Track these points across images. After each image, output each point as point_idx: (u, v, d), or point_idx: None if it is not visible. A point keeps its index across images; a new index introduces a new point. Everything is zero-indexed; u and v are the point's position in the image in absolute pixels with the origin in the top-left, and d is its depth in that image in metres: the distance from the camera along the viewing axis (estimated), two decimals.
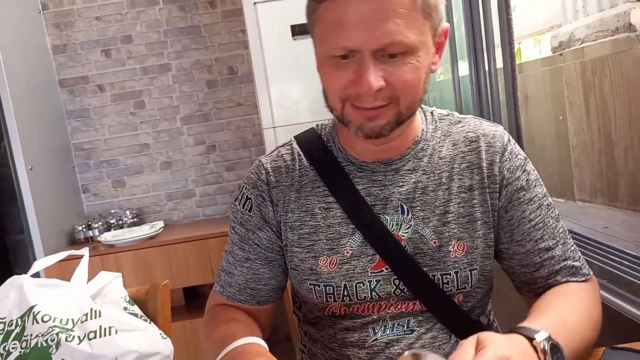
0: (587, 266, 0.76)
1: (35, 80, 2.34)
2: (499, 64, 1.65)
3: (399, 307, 0.75)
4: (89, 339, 0.97)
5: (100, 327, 0.99)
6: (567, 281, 0.74)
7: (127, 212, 2.51)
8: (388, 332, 0.75)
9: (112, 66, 2.59)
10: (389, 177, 0.75)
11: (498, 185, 0.74)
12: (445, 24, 0.70)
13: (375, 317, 0.76)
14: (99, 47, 2.57)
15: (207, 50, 2.59)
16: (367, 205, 0.74)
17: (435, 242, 0.73)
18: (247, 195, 0.81)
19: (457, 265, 0.73)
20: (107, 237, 2.26)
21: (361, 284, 0.74)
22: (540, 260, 0.74)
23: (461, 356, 0.52)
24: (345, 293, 0.75)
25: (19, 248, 2.11)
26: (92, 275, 1.29)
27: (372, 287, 0.74)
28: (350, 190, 0.75)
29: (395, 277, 0.74)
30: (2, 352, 0.97)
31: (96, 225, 2.40)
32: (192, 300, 2.44)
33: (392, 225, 0.74)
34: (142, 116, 2.62)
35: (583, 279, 0.74)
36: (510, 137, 0.78)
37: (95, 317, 1.00)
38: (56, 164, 2.42)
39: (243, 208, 0.81)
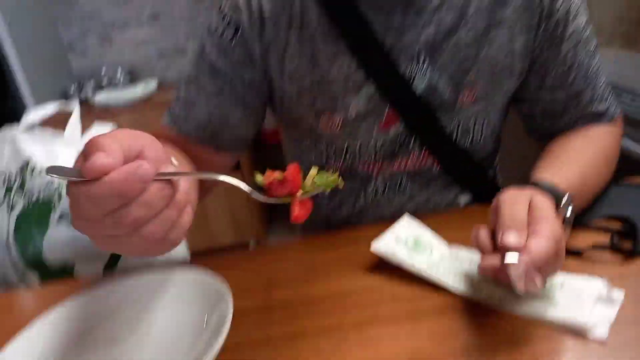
0: (614, 106, 0.70)
1: None
2: None
3: (396, 166, 0.71)
4: None
5: None
6: (588, 126, 0.69)
7: (119, 71, 2.41)
8: (379, 194, 0.73)
9: None
10: (409, 20, 0.62)
11: (537, 19, 0.63)
12: None
13: (371, 176, 0.72)
14: None
15: None
16: (383, 52, 0.62)
17: (450, 93, 0.65)
18: (229, 19, 0.63)
19: (461, 115, 0.67)
20: (102, 97, 2.20)
21: (365, 146, 0.69)
22: (565, 106, 0.68)
23: (516, 217, 0.46)
24: (347, 154, 0.70)
25: (11, 116, 2.06)
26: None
27: (377, 148, 0.69)
28: (366, 35, 0.62)
29: (404, 135, 0.67)
30: (6, 205, 0.97)
31: (88, 86, 2.32)
32: None
33: (405, 76, 0.64)
34: None
35: (606, 121, 0.69)
36: None
37: None
38: (36, 15, 2.25)
39: (222, 35, 0.63)
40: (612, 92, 0.70)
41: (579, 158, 0.63)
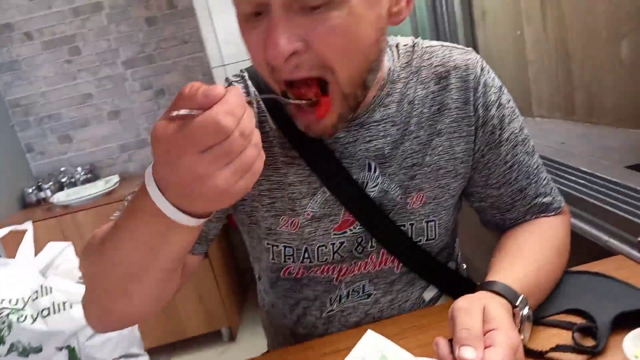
0: (558, 197, 0.73)
1: None
2: None
3: (354, 269, 0.71)
4: (43, 317, 0.93)
5: (54, 303, 0.94)
6: (537, 218, 0.72)
7: (79, 169, 2.39)
8: (344, 301, 0.73)
9: (37, 10, 2.34)
10: (353, 133, 0.65)
11: (473, 128, 0.67)
12: None
13: (334, 283, 0.72)
14: None
15: None
16: (335, 159, 0.65)
17: (400, 198, 0.68)
18: None
19: (413, 217, 0.69)
20: (60, 197, 2.16)
21: (323, 247, 0.69)
22: (511, 201, 0.71)
23: (471, 329, 0.48)
24: (306, 255, 0.70)
25: None
26: (47, 239, 1.22)
27: (335, 249, 0.69)
28: (316, 146, 0.65)
29: (361, 237, 0.69)
30: None
31: (47, 186, 2.28)
32: None
33: (359, 182, 0.67)
34: (79, 63, 2.42)
35: (553, 213, 0.72)
36: (484, 64, 0.69)
37: (47, 294, 0.95)
38: None
39: None
40: (554, 188, 0.73)
41: (531, 255, 0.64)
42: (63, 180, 2.35)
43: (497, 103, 0.67)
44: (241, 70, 0.71)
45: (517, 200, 0.71)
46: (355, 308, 0.73)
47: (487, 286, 0.57)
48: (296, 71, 0.53)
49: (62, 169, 2.44)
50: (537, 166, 0.71)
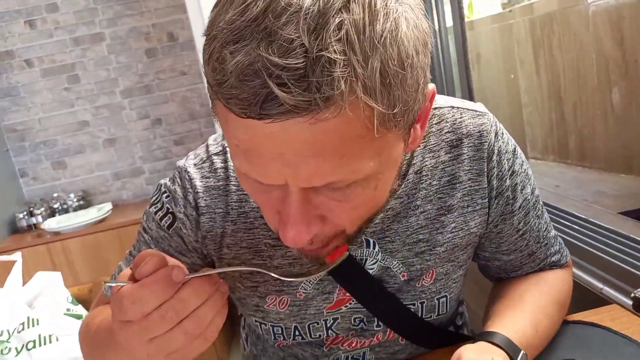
0: (565, 253, 0.72)
1: None
2: (449, 21, 1.60)
3: (354, 343, 0.67)
4: (28, 349, 0.90)
5: (40, 335, 0.92)
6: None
7: (72, 195, 2.37)
8: None
9: (38, 38, 2.37)
10: None
11: (487, 200, 0.62)
12: (430, 86, 0.45)
13: (326, 351, 0.68)
14: (21, 18, 2.34)
15: (143, 17, 2.40)
16: None
17: (404, 276, 0.62)
18: (167, 208, 0.62)
19: (423, 295, 0.64)
20: (51, 223, 2.13)
21: (315, 324, 0.64)
22: (520, 264, 0.70)
23: None
24: (297, 333, 0.65)
25: None
26: (36, 266, 1.20)
27: (328, 325, 0.65)
28: None
29: (357, 314, 0.64)
30: None
31: (38, 212, 2.26)
32: None
33: (356, 260, 0.61)
34: (77, 91, 2.43)
35: (557, 269, 0.71)
36: (498, 127, 0.63)
37: (34, 325, 0.93)
38: None
39: (160, 222, 0.62)
40: (561, 243, 0.72)
41: (532, 307, 0.63)
42: (55, 206, 2.33)
43: (511, 171, 0.63)
44: (222, 136, 0.63)
45: (526, 264, 0.70)
46: None
47: (488, 337, 0.57)
48: (312, 246, 0.48)
49: (55, 195, 2.42)
50: (547, 227, 0.69)
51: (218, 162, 0.62)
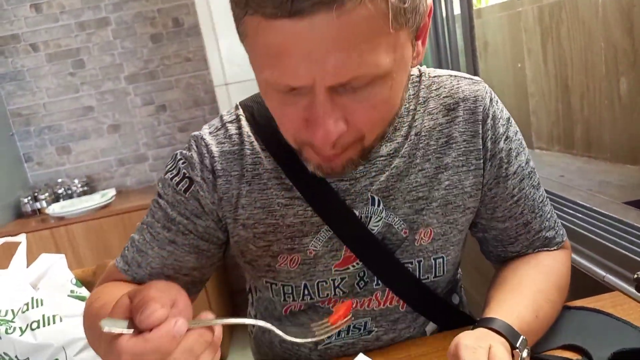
0: (561, 231, 0.73)
1: None
2: (457, 9, 1.59)
3: (360, 305, 0.70)
4: (32, 329, 0.91)
5: (44, 315, 0.93)
6: (539, 251, 0.71)
7: (76, 181, 2.38)
8: (343, 335, 0.71)
9: (44, 22, 2.37)
10: (361, 169, 0.64)
11: (482, 161, 0.66)
12: (429, 1, 0.51)
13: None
14: (27, 1, 2.34)
15: (149, 2, 2.39)
16: (338, 199, 0.64)
17: (405, 233, 0.66)
18: (184, 173, 0.66)
19: (421, 254, 0.67)
20: (55, 208, 2.14)
21: (324, 283, 0.68)
22: (516, 234, 0.71)
23: None
24: (306, 292, 0.68)
25: None
26: (40, 250, 1.21)
27: (336, 284, 0.68)
28: (317, 183, 0.63)
29: (362, 272, 0.67)
30: None
31: (43, 197, 2.27)
32: None
33: (361, 218, 0.65)
34: (82, 76, 2.43)
35: (555, 247, 0.72)
36: (493, 95, 0.68)
37: (38, 306, 0.94)
38: None
39: (177, 187, 0.66)
40: (557, 221, 0.73)
41: (531, 291, 0.64)
42: (59, 191, 2.34)
43: (505, 136, 0.67)
44: (236, 107, 0.69)
45: (521, 234, 0.70)
46: (354, 344, 0.72)
47: (487, 323, 0.57)
48: (335, 149, 0.52)
49: (59, 180, 2.43)
50: (542, 199, 0.71)
51: (232, 128, 0.67)
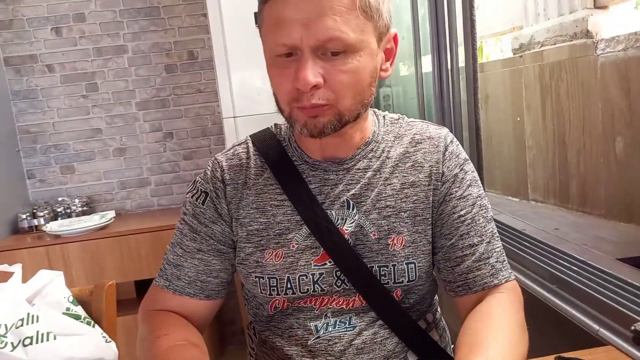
0: (509, 270, 0.77)
1: None
2: (462, 62, 1.65)
3: (340, 302, 0.77)
4: (24, 345, 0.91)
5: (38, 332, 0.92)
6: (485, 285, 0.74)
7: (76, 200, 2.40)
8: (330, 329, 0.77)
9: (62, 45, 2.44)
10: (340, 176, 0.78)
11: (440, 183, 0.78)
12: (393, 31, 0.73)
13: (317, 312, 0.77)
14: (49, 25, 2.42)
15: (167, 33, 2.48)
16: (316, 201, 0.77)
17: (374, 235, 0.77)
18: (201, 189, 0.82)
19: (395, 258, 0.76)
20: (53, 226, 2.15)
21: (304, 277, 0.77)
22: (462, 254, 0.76)
23: None
24: (289, 286, 0.77)
25: None
26: (34, 267, 1.21)
27: (315, 279, 0.76)
28: (302, 189, 0.78)
29: (338, 269, 0.76)
30: None
31: (41, 214, 2.28)
32: (144, 293, 2.36)
33: (337, 220, 0.77)
34: (94, 99, 2.49)
35: (503, 281, 0.75)
36: (454, 139, 0.82)
37: (32, 322, 0.93)
38: None
39: (196, 201, 0.82)
40: (506, 261, 0.78)
41: (501, 336, 0.66)
42: (59, 210, 2.35)
43: (460, 167, 0.79)
44: (247, 138, 0.86)
45: (467, 255, 0.76)
46: (340, 338, 0.77)
47: None
48: (313, 99, 0.67)
49: (60, 198, 2.45)
50: (493, 234, 0.78)
51: (240, 149, 0.84)
